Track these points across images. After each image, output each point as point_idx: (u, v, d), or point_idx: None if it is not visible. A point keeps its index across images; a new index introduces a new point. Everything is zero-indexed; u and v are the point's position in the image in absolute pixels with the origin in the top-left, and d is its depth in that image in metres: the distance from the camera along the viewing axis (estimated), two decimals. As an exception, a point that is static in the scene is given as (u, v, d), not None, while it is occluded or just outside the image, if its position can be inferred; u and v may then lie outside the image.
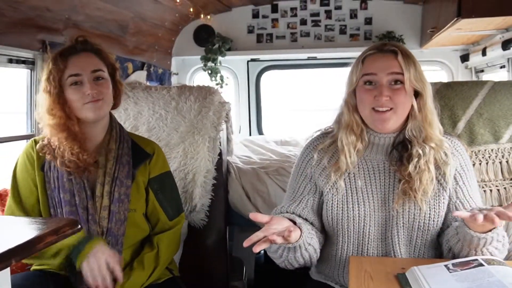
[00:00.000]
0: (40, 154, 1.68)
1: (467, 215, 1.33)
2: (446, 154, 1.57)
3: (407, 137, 1.58)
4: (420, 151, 1.53)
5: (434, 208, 1.56)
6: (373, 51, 1.58)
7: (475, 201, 1.59)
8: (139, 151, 1.78)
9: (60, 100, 1.63)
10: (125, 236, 1.68)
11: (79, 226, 1.23)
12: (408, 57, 1.54)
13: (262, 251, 3.04)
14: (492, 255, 1.43)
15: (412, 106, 1.56)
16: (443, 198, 1.57)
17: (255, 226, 2.56)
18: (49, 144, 1.67)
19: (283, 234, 1.34)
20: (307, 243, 1.51)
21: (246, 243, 1.31)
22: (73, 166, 1.63)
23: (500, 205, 1.94)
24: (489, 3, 2.35)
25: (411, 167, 1.52)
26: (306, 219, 1.62)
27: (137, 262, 1.70)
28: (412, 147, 1.55)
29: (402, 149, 1.59)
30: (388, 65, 1.53)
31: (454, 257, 1.49)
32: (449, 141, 1.62)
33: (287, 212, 1.63)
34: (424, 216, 1.54)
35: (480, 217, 1.27)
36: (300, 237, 1.46)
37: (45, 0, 2.18)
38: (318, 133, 1.72)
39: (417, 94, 1.57)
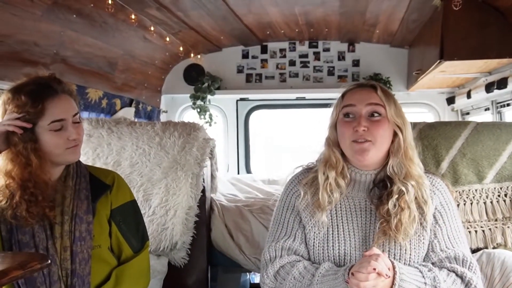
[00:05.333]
0: None
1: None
2: (426, 192, 1.52)
3: (388, 174, 1.54)
4: (402, 188, 1.49)
5: (415, 248, 1.50)
6: (353, 87, 1.59)
7: (456, 242, 1.53)
8: (98, 184, 1.69)
9: (25, 153, 1.49)
10: (92, 274, 1.59)
11: (49, 261, 1.19)
12: (387, 93, 1.54)
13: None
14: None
15: (392, 142, 1.54)
16: (423, 238, 1.52)
17: (239, 267, 2.51)
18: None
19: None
20: None
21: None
22: (24, 222, 1.50)
23: (486, 247, 1.91)
24: (470, 47, 2.44)
25: (390, 205, 1.48)
26: (302, 256, 1.57)
27: None
28: (392, 185, 1.51)
29: (382, 187, 1.55)
30: (367, 96, 1.53)
31: None
32: (430, 180, 1.58)
33: (289, 248, 1.58)
34: (405, 255, 1.49)
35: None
36: None
37: (34, 34, 2.20)
38: (300, 169, 1.71)
39: (396, 131, 1.54)
